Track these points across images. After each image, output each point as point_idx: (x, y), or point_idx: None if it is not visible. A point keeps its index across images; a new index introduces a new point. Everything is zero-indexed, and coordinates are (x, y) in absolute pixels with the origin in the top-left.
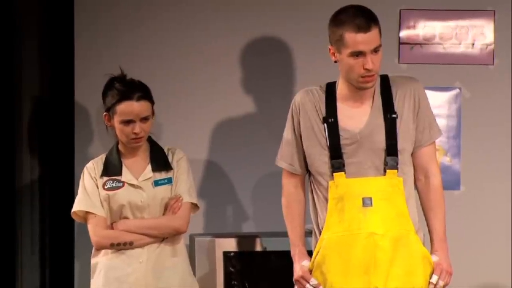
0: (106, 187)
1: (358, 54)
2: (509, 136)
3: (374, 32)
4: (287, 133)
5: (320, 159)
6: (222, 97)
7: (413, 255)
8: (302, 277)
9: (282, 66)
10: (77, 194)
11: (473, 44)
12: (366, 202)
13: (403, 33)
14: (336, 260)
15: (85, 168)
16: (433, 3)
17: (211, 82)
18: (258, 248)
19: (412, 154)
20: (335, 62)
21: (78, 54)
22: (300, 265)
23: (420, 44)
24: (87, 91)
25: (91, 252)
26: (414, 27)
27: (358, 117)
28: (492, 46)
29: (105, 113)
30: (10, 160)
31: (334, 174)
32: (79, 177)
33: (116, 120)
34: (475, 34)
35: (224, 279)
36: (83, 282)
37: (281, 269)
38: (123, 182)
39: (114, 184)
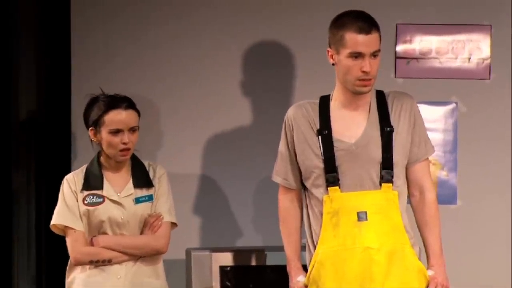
0: (86, 201)
1: (357, 55)
2: (505, 150)
3: (374, 36)
4: (281, 148)
5: (314, 172)
6: (219, 109)
7: (408, 268)
8: None
9: (281, 77)
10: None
11: (469, 59)
12: (361, 216)
13: (400, 48)
14: (332, 274)
15: (64, 180)
16: (430, 18)
17: (208, 94)
18: (255, 262)
19: (406, 169)
20: (333, 64)
21: (74, 67)
22: (295, 281)
23: (416, 58)
24: (84, 103)
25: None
26: (410, 41)
27: (353, 128)
28: (489, 61)
29: (90, 128)
30: (6, 164)
31: (329, 188)
32: None
33: (104, 132)
34: (471, 49)
35: None
36: None
37: (278, 284)
38: (104, 197)
39: (94, 200)
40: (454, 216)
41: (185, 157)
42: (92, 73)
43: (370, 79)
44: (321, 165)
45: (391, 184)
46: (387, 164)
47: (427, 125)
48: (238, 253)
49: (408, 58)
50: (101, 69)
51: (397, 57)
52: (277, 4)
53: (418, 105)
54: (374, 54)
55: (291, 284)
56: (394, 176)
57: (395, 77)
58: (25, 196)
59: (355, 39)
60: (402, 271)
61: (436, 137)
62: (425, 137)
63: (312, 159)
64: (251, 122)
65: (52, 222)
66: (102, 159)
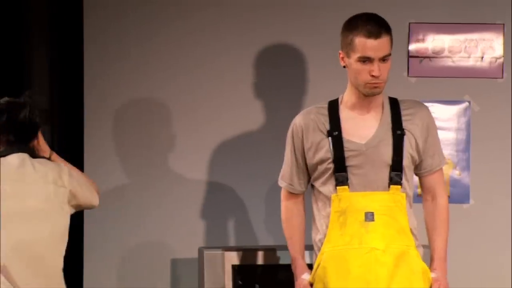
0: None
1: (365, 60)
2: None
3: (384, 40)
4: (287, 155)
5: (325, 172)
6: (231, 109)
7: (414, 270)
8: None
9: (292, 79)
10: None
11: (482, 58)
12: (368, 216)
13: (412, 47)
14: (337, 274)
15: None
16: (442, 17)
17: (220, 94)
18: (267, 261)
19: (420, 178)
20: (344, 67)
21: (87, 65)
22: (301, 279)
23: (429, 57)
24: (96, 103)
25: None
26: (423, 40)
27: (364, 129)
28: (501, 60)
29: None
30: None
31: (338, 187)
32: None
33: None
34: (484, 48)
35: None
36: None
37: (289, 283)
38: None
39: None
40: (467, 215)
41: (197, 157)
42: (104, 72)
43: (380, 83)
44: (331, 165)
45: (399, 186)
46: (396, 166)
47: (439, 124)
48: (250, 252)
49: (421, 57)
50: (113, 67)
51: (410, 56)
52: (287, 4)
53: (431, 104)
54: (383, 59)
55: (296, 282)
56: (402, 178)
57: (408, 76)
58: None
59: (364, 44)
60: (407, 272)
61: (448, 136)
62: (439, 148)
63: (322, 160)
64: (263, 122)
65: None
66: None
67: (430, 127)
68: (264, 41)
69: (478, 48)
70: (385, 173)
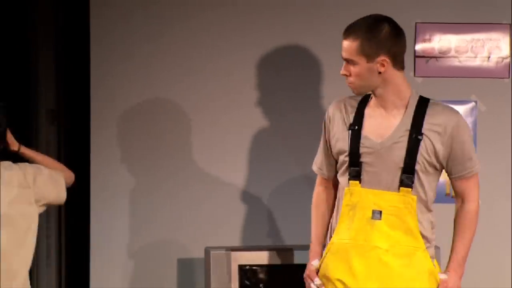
0: None
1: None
2: None
3: (348, 43)
4: (321, 140)
5: (343, 165)
6: (238, 109)
7: (419, 271)
8: (309, 275)
9: (297, 80)
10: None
11: (488, 58)
12: (376, 214)
13: (419, 46)
14: (339, 266)
15: None
16: (449, 17)
17: (226, 95)
18: (274, 261)
19: (452, 182)
20: None
21: (93, 66)
22: (310, 264)
23: (435, 57)
24: (103, 103)
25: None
26: (429, 40)
27: (384, 128)
28: (508, 59)
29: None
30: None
31: (350, 181)
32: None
33: None
34: (490, 48)
35: None
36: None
37: (296, 283)
38: None
39: None
40: None
41: (204, 156)
42: (110, 72)
43: (349, 83)
44: (347, 158)
45: (410, 189)
46: (408, 169)
47: None
48: (257, 252)
49: (427, 57)
50: (119, 67)
51: (416, 56)
52: (295, 4)
53: None
54: (347, 61)
55: (307, 266)
56: (415, 181)
57: (415, 76)
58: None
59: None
60: (412, 273)
61: None
62: (471, 155)
63: (340, 151)
64: (269, 123)
65: None
66: None
67: (456, 135)
68: (269, 41)
69: (485, 48)
70: (396, 175)
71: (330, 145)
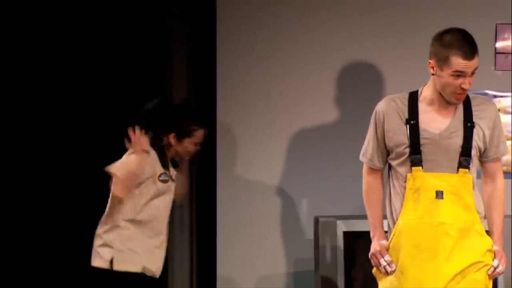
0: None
1: (459, 74)
2: None
3: (476, 59)
4: (369, 134)
5: (402, 154)
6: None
7: (477, 242)
8: (379, 251)
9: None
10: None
11: None
12: (439, 195)
13: (499, 44)
14: (408, 244)
15: None
16: None
17: (334, 86)
18: None
19: (483, 163)
20: (433, 74)
21: (219, 61)
22: (378, 243)
23: None
24: (228, 92)
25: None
26: (508, 38)
27: (439, 121)
28: None
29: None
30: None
31: (413, 168)
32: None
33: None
34: None
35: (344, 256)
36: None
37: None
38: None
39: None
40: None
41: (313, 139)
42: (234, 66)
43: (465, 93)
44: (408, 149)
45: (467, 170)
46: (466, 152)
47: None
48: (361, 220)
49: (506, 53)
50: (241, 63)
51: (496, 52)
52: (394, 6)
53: None
54: (472, 72)
55: (373, 245)
56: (470, 163)
57: (495, 69)
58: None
59: (459, 63)
60: (471, 244)
61: None
62: (503, 139)
63: (400, 144)
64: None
65: None
66: None
67: (497, 121)
68: (368, 40)
69: None
70: (455, 159)
71: (384, 139)
